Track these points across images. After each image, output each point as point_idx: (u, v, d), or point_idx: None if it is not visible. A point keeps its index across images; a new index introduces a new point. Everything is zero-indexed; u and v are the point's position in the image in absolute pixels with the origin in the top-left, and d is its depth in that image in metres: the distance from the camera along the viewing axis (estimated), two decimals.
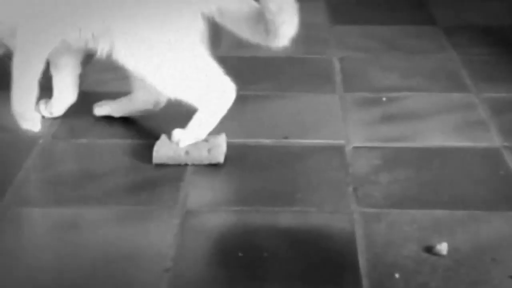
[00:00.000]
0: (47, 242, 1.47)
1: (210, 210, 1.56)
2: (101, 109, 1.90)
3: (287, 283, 1.35)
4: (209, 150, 1.71)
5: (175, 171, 1.68)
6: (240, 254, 1.41)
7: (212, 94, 1.73)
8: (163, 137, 1.73)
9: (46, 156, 1.75)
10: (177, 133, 1.72)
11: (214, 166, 1.70)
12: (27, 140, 1.81)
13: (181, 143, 1.71)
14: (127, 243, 1.46)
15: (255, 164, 1.73)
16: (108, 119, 1.90)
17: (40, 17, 1.67)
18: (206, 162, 1.71)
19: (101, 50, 1.69)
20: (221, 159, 1.71)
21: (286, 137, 1.83)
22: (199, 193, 1.62)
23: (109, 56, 1.69)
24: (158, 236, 1.48)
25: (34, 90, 1.72)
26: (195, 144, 1.72)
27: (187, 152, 1.70)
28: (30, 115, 1.72)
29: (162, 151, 1.70)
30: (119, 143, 1.81)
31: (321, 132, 1.86)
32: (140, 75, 1.70)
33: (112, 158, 1.75)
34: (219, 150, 1.71)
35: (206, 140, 1.73)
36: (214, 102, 1.73)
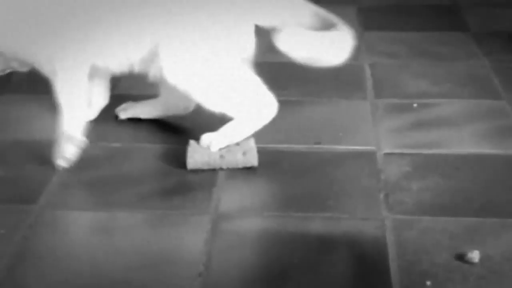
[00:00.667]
0: (81, 246, 1.48)
1: (242, 215, 1.57)
2: (126, 113, 1.91)
3: None
4: (244, 153, 1.72)
5: (208, 176, 1.69)
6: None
7: (253, 108, 1.75)
8: (193, 142, 1.74)
9: (80, 159, 1.77)
10: (207, 137, 1.73)
11: (246, 171, 1.71)
12: None
13: (212, 147, 1.72)
14: (160, 247, 1.47)
15: (287, 170, 1.74)
16: (141, 122, 1.91)
17: (75, 42, 1.69)
18: (241, 165, 1.72)
19: (153, 74, 1.72)
20: (256, 162, 1.72)
21: (318, 143, 1.84)
22: (231, 198, 1.63)
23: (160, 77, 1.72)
24: (191, 240, 1.49)
25: (84, 110, 1.74)
26: (229, 148, 1.73)
27: (221, 156, 1.71)
28: (78, 138, 1.73)
29: (196, 156, 1.71)
30: (152, 148, 1.82)
31: (352, 138, 1.86)
32: (187, 92, 1.72)
33: (145, 162, 1.77)
34: (253, 153, 1.73)
35: (237, 143, 1.75)
36: (253, 115, 1.76)
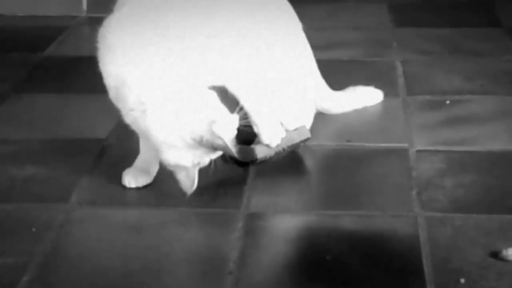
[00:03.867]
0: (112, 243, 1.48)
1: (273, 213, 1.57)
2: None
3: (349, 287, 1.34)
4: (296, 129, 1.71)
5: (238, 174, 1.69)
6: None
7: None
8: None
9: (110, 158, 1.77)
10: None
11: (275, 169, 1.70)
12: (91, 143, 1.84)
13: (273, 144, 1.71)
14: (191, 245, 1.47)
15: (318, 167, 1.73)
16: None
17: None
18: (298, 140, 1.71)
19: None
20: (309, 133, 1.72)
21: (348, 141, 1.83)
22: (262, 197, 1.62)
23: None
24: (221, 238, 1.48)
25: None
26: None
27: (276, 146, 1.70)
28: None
29: (261, 148, 1.67)
30: None
31: (384, 136, 1.85)
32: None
33: None
34: (305, 127, 1.73)
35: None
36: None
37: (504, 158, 1.74)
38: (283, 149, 1.69)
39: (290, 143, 1.70)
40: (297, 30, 1.80)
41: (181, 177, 1.58)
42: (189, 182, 1.57)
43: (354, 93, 1.98)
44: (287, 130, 1.70)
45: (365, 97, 1.99)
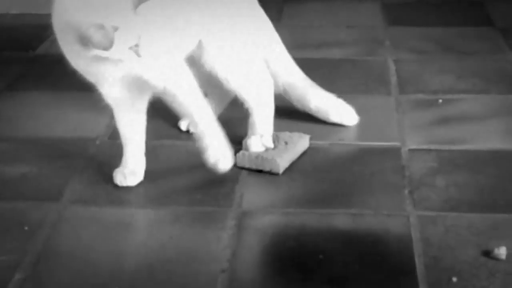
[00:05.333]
0: (104, 242, 1.48)
1: (266, 211, 1.57)
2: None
3: (342, 286, 1.35)
4: (300, 136, 1.76)
5: (230, 173, 1.68)
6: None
7: (267, 95, 1.78)
8: (247, 153, 1.72)
9: (103, 156, 1.77)
10: (254, 141, 1.73)
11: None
12: (84, 141, 1.84)
13: (268, 146, 1.73)
14: (183, 243, 1.47)
15: (310, 166, 1.73)
16: (164, 119, 1.91)
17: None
18: (303, 149, 1.76)
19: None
20: (308, 144, 1.78)
21: (341, 139, 1.83)
22: (254, 195, 1.62)
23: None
24: (214, 237, 1.48)
25: None
26: (285, 138, 1.75)
27: (294, 146, 1.74)
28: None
29: (284, 157, 1.70)
30: (174, 144, 1.82)
31: (376, 134, 1.85)
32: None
33: (167, 160, 1.76)
34: (306, 135, 1.77)
35: (282, 133, 1.78)
36: (269, 102, 1.78)
37: (496, 157, 1.74)
38: (292, 162, 1.72)
39: (298, 155, 1.74)
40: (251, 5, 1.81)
41: (97, 37, 1.51)
42: (106, 40, 1.52)
43: (333, 102, 1.91)
44: (294, 136, 1.75)
45: (339, 113, 1.90)
